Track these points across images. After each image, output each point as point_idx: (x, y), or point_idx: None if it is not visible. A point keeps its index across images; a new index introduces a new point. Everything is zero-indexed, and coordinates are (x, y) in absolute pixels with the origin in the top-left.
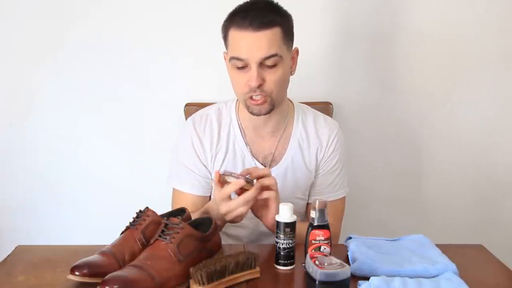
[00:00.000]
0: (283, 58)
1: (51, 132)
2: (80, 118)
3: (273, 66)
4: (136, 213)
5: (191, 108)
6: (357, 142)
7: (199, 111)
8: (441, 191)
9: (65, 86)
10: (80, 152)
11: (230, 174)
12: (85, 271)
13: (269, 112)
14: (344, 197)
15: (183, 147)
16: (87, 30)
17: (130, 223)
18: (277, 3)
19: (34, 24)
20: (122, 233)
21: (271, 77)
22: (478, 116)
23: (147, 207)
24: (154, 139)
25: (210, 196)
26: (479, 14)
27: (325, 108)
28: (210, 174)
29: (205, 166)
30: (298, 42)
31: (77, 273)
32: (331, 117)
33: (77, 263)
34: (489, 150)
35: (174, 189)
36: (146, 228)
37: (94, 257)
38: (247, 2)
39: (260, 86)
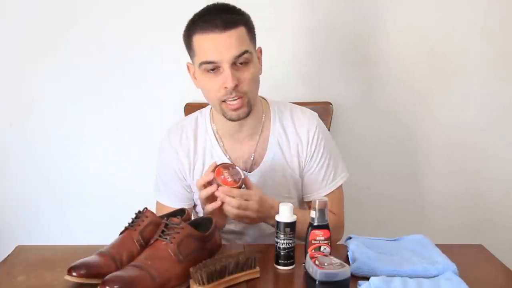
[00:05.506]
0: (253, 55)
1: (51, 132)
2: (80, 118)
3: (246, 64)
4: (135, 213)
5: (191, 108)
6: (357, 142)
7: (176, 123)
8: (441, 191)
9: (65, 86)
10: (80, 152)
11: (228, 167)
12: (82, 271)
13: (248, 114)
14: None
15: (161, 162)
16: (87, 30)
17: (128, 223)
18: (234, 5)
19: (34, 24)
20: (120, 233)
21: (245, 76)
22: (477, 116)
23: (145, 208)
24: (154, 139)
25: (194, 205)
26: (477, 14)
27: (325, 108)
28: (185, 186)
29: (184, 179)
30: (298, 42)
31: (74, 273)
32: (331, 117)
33: (74, 263)
34: (488, 149)
35: (156, 201)
36: (145, 229)
37: (91, 258)
38: (204, 8)
39: (236, 87)
